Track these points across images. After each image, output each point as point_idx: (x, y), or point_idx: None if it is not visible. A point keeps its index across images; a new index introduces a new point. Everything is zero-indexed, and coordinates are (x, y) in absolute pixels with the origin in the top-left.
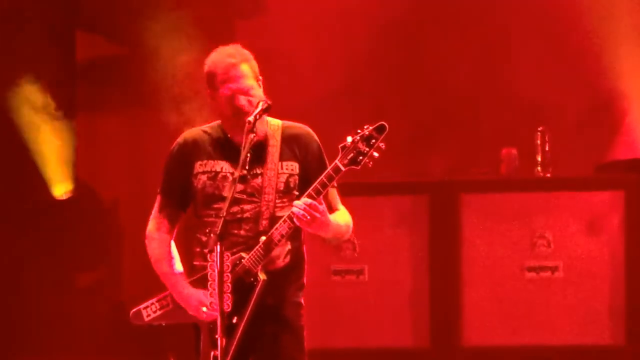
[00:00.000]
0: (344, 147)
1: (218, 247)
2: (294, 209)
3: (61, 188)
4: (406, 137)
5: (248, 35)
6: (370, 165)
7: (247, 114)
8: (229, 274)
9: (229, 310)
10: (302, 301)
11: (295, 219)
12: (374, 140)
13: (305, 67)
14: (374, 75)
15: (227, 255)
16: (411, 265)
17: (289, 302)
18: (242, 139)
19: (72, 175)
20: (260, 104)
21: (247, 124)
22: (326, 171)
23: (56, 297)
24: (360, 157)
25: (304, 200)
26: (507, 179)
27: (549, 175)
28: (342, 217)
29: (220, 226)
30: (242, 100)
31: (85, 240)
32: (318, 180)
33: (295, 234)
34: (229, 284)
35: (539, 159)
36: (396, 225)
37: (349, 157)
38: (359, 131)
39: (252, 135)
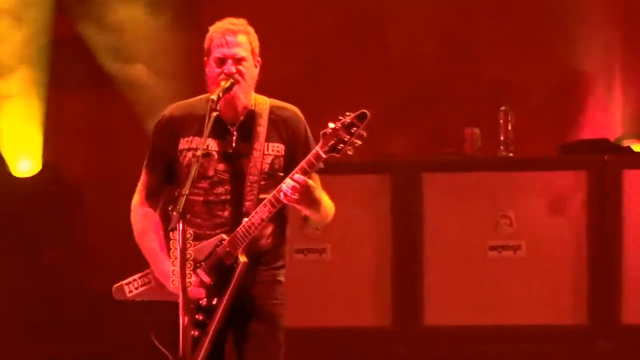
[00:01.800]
0: (324, 134)
1: (180, 225)
2: (283, 187)
3: (24, 166)
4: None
5: (215, 16)
6: (350, 153)
7: (237, 82)
8: (191, 253)
9: (210, 284)
10: (284, 280)
11: (283, 197)
12: (355, 128)
13: (268, 48)
14: (337, 54)
15: (189, 233)
16: (374, 244)
17: (271, 283)
18: (229, 115)
19: (38, 154)
20: (222, 82)
21: (210, 102)
22: (307, 158)
23: (20, 275)
24: (341, 145)
25: (293, 179)
26: (470, 158)
27: (511, 154)
28: (326, 200)
29: (182, 204)
30: (231, 67)
31: (49, 219)
32: (299, 167)
33: (278, 217)
34: (206, 265)
35: (502, 138)
36: (359, 204)
37: (329, 145)
38: (340, 118)
39: (215, 114)
